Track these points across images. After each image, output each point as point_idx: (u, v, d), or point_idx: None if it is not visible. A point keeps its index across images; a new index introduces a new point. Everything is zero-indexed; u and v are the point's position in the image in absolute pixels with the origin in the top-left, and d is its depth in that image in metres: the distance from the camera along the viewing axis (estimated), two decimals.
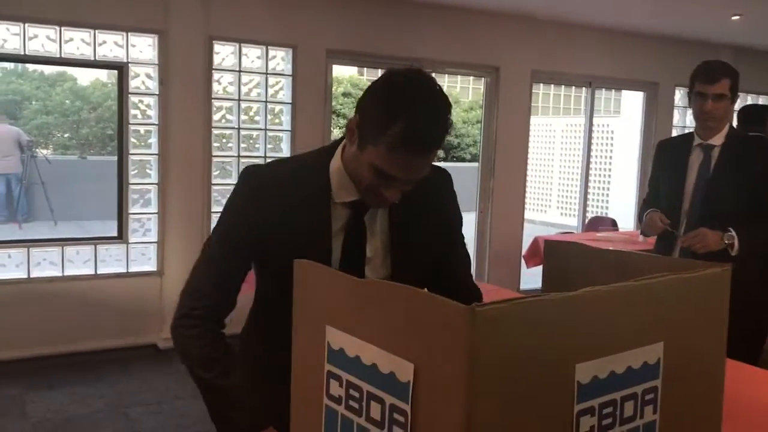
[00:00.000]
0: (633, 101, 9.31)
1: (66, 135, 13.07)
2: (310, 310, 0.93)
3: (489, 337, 0.69)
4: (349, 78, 14.78)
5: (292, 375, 0.96)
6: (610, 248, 1.24)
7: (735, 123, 4.12)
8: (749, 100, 6.79)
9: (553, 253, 1.24)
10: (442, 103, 1.26)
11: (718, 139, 2.68)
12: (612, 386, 0.81)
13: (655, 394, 0.87)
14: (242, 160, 4.81)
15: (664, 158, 2.88)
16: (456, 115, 15.89)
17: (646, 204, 2.90)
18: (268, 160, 1.62)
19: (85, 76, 12.99)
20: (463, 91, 18.45)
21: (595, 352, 0.79)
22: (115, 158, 4.59)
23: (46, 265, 4.40)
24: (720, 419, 0.98)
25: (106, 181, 8.67)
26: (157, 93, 4.47)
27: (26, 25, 4.11)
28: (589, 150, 6.62)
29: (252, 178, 1.41)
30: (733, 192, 2.61)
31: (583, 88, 6.60)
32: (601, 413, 0.81)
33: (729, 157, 2.65)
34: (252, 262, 1.45)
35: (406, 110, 1.23)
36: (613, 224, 6.17)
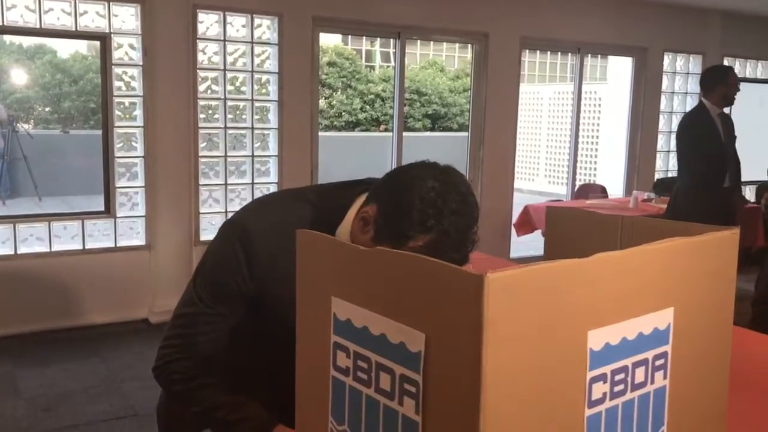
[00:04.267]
0: (620, 67, 9.28)
1: (47, 109, 12.84)
2: (315, 281, 0.91)
3: (502, 306, 0.67)
4: (334, 47, 14.57)
5: (296, 348, 0.94)
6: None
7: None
8: (737, 64, 6.78)
9: (555, 220, 1.22)
10: (472, 218, 1.18)
11: (726, 109, 3.93)
12: (623, 352, 0.80)
13: (665, 360, 0.86)
14: (229, 131, 4.75)
15: (698, 132, 3.83)
16: (442, 83, 15.76)
17: (712, 174, 3.73)
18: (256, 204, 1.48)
19: (65, 49, 12.73)
20: (449, 60, 18.30)
21: (606, 319, 0.78)
22: (99, 132, 4.51)
23: (32, 241, 4.35)
24: (726, 383, 0.97)
25: (90, 156, 8.56)
26: (141, 64, 4.38)
27: None
28: (578, 117, 6.58)
29: (243, 237, 1.30)
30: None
31: (572, 55, 6.55)
32: (613, 380, 0.80)
33: (730, 123, 3.89)
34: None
35: (432, 226, 1.14)
36: (603, 191, 6.19)
